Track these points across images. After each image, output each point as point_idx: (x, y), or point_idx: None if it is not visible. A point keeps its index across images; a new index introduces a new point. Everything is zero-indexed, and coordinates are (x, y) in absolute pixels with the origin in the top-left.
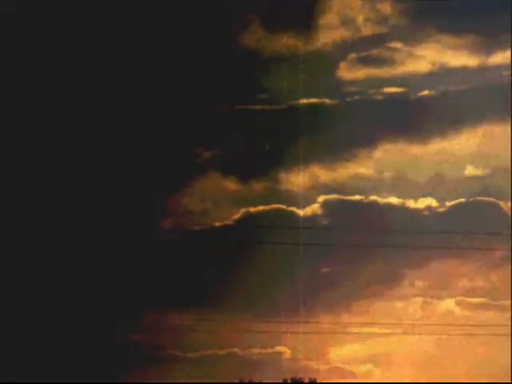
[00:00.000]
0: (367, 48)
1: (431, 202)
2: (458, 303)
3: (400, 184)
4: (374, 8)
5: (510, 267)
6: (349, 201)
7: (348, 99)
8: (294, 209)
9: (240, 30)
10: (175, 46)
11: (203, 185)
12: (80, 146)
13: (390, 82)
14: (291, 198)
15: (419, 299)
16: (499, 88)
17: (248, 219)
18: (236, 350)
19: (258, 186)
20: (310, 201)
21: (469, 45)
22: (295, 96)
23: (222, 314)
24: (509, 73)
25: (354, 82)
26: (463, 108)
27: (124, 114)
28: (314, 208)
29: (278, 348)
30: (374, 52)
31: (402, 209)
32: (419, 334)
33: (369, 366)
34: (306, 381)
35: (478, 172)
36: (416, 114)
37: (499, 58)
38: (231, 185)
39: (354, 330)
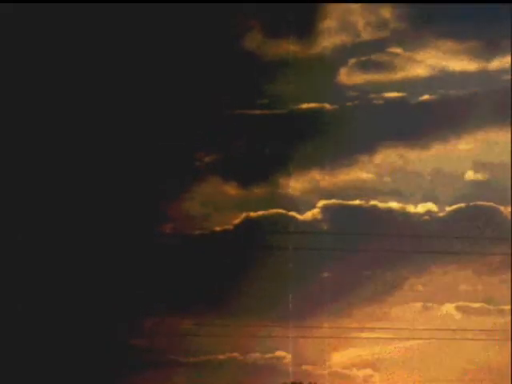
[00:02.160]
0: (367, 53)
1: (431, 206)
2: (457, 308)
3: (400, 189)
4: (374, 13)
5: (510, 272)
6: (349, 205)
7: (348, 104)
8: (294, 213)
9: (240, 34)
10: (175, 50)
11: (203, 189)
12: (80, 151)
13: (390, 86)
14: (291, 202)
15: (419, 304)
16: (499, 93)
17: (248, 224)
18: (236, 354)
19: (258, 191)
20: (310, 205)
21: (469, 50)
22: (295, 101)
23: (223, 318)
24: (509, 78)
25: (354, 87)
26: (463, 113)
27: (124, 118)
28: (314, 213)
29: (278, 353)
30: (375, 57)
31: (402, 213)
32: (419, 338)
33: (368, 371)
34: None
35: (478, 177)
36: (416, 119)
37: (499, 63)
38: (231, 189)
39: (354, 334)
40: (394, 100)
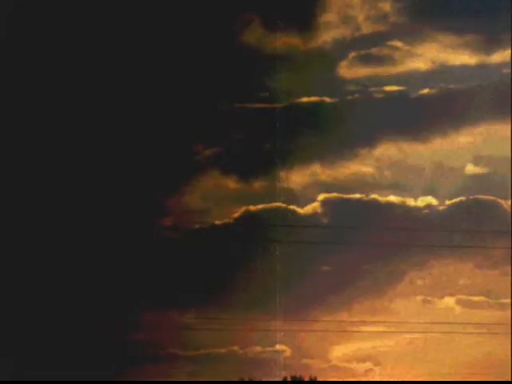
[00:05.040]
0: (367, 46)
1: (431, 200)
2: (458, 301)
3: (400, 182)
4: (375, 6)
5: (510, 265)
6: (349, 199)
7: (348, 97)
8: (294, 207)
9: (240, 28)
10: (174, 44)
11: (203, 183)
12: (79, 145)
13: (390, 80)
14: (291, 196)
15: (419, 298)
16: (499, 86)
17: (248, 217)
18: (236, 348)
19: (258, 185)
20: (311, 199)
21: (469, 43)
22: (295, 94)
23: (223, 312)
24: (509, 71)
25: (354, 81)
26: (463, 106)
27: (123, 112)
28: (315, 206)
29: (278, 346)
30: (375, 50)
31: (402, 207)
32: (419, 332)
33: (369, 364)
34: (306, 379)
35: (478, 170)
36: (416, 113)
37: (499, 56)
38: (231, 183)
39: (354, 328)
40: (393, 94)
